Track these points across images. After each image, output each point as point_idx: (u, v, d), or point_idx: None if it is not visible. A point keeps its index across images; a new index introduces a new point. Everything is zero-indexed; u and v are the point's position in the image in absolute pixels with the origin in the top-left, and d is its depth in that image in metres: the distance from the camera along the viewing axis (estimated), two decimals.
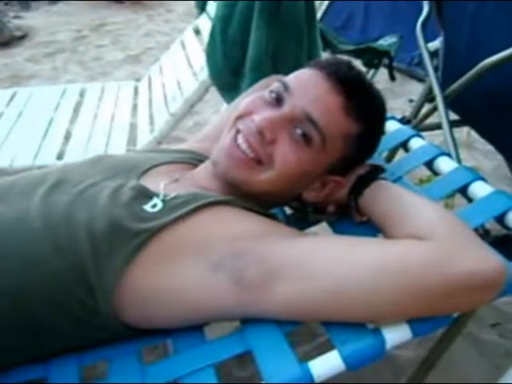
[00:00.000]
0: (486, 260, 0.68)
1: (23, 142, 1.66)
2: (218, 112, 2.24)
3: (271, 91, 0.92)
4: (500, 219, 0.88)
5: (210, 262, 0.79)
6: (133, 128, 1.79)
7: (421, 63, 3.70)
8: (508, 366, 0.87)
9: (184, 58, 1.82)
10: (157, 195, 0.88)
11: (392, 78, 2.21)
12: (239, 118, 0.92)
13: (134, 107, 1.90)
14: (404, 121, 1.53)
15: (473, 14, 1.17)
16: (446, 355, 1.14)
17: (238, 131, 0.90)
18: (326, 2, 4.18)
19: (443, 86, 1.42)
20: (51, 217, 0.84)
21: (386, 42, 2.18)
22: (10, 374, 0.85)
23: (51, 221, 0.83)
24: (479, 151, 2.53)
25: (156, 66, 2.10)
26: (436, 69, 1.48)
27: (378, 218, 0.86)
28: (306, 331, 0.86)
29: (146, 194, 0.88)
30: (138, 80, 3.40)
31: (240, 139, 0.89)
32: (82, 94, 2.03)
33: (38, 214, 0.84)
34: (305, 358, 0.73)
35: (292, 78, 0.92)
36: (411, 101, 2.06)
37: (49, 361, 0.86)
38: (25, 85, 3.56)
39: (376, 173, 0.94)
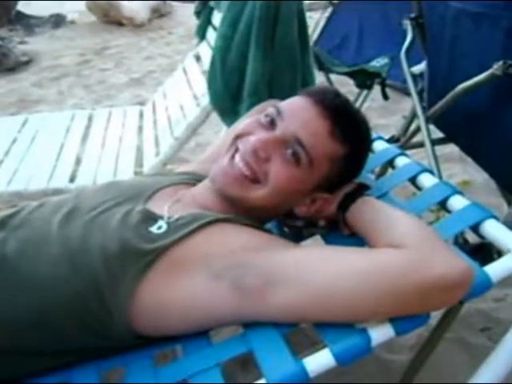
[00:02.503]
0: (453, 264, 0.77)
1: (37, 166, 1.76)
2: (218, 133, 2.35)
3: (266, 115, 1.02)
4: (475, 229, 0.98)
5: (211, 273, 0.89)
6: (139, 150, 1.90)
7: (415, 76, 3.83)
8: None
9: (186, 83, 1.94)
10: (161, 217, 0.97)
11: (385, 97, 2.32)
12: (238, 137, 1.02)
13: (140, 131, 2.01)
14: (393, 139, 1.64)
15: (450, 41, 1.28)
16: (436, 359, 1.23)
17: (236, 150, 1.00)
18: (321, 24, 4.34)
19: (429, 105, 1.53)
20: (68, 242, 0.94)
21: (379, 63, 2.29)
22: (35, 379, 0.95)
23: (68, 245, 0.93)
24: (471, 165, 2.62)
25: (160, 92, 2.21)
26: (422, 90, 1.58)
27: (363, 231, 0.96)
28: (301, 332, 0.96)
29: (152, 217, 0.97)
30: (142, 103, 3.53)
31: (237, 158, 0.99)
32: (90, 119, 2.15)
33: (56, 240, 0.94)
34: (300, 357, 0.82)
35: (284, 105, 1.03)
36: (405, 117, 2.16)
37: (70, 367, 0.96)
38: (32, 109, 3.69)
39: (361, 190, 1.04)
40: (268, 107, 1.25)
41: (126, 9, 6.85)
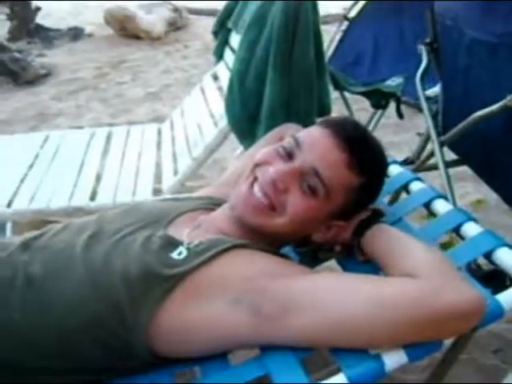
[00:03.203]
0: (466, 293, 0.80)
1: (58, 184, 1.81)
2: (235, 150, 2.38)
3: (285, 145, 1.05)
4: (488, 256, 1.00)
5: (230, 298, 0.91)
6: (158, 167, 1.94)
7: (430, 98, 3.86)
8: None
9: (204, 103, 1.98)
10: (181, 243, 1.00)
11: (400, 116, 2.34)
12: (257, 166, 1.05)
13: (158, 148, 2.06)
14: (408, 162, 1.67)
15: (465, 68, 1.31)
16: (450, 380, 1.25)
17: (255, 178, 1.03)
18: (336, 39, 4.38)
19: (443, 128, 1.55)
20: (91, 265, 0.97)
21: (394, 82, 2.32)
22: None
23: (91, 268, 0.97)
24: (484, 185, 2.64)
25: (178, 110, 2.26)
26: (437, 113, 1.61)
27: (377, 258, 0.98)
28: (318, 357, 0.98)
29: (172, 243, 1.00)
30: (158, 118, 3.59)
31: (256, 188, 1.02)
32: (109, 137, 2.19)
33: (80, 263, 0.98)
34: (315, 380, 0.85)
35: (303, 135, 1.06)
36: (419, 134, 2.17)
37: None
38: (51, 123, 3.76)
39: (376, 217, 1.07)
40: (285, 131, 1.29)
41: (143, 22, 6.95)
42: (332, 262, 1.16)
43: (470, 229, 1.06)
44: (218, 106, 1.78)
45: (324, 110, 1.69)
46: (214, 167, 2.68)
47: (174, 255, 0.98)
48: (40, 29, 7.26)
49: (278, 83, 1.52)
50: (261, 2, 1.63)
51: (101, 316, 0.93)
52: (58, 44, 6.71)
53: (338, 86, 2.35)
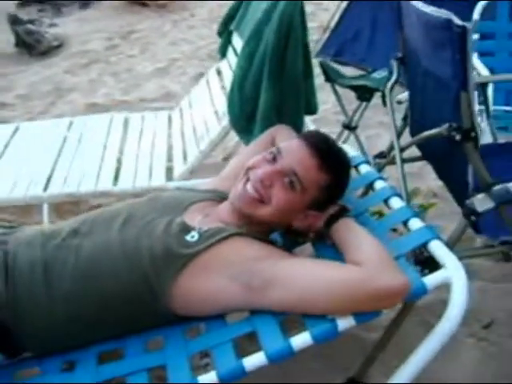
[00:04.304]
0: (394, 278, 1.12)
1: (85, 168, 2.12)
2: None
3: (271, 152, 1.36)
4: (424, 246, 1.31)
5: (228, 274, 1.24)
6: (169, 153, 2.26)
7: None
8: None
9: (209, 99, 2.28)
10: (194, 229, 1.33)
11: (385, 105, 2.61)
12: (249, 169, 1.37)
13: (169, 135, 2.37)
14: (382, 155, 1.97)
15: (421, 90, 1.58)
16: (403, 337, 1.57)
17: (247, 179, 1.35)
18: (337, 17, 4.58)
19: (412, 130, 1.85)
20: (125, 244, 1.30)
21: (379, 75, 2.59)
22: (95, 345, 1.32)
23: (125, 247, 1.30)
24: None
25: (186, 101, 2.55)
26: (406, 116, 1.90)
27: (338, 245, 1.31)
28: (291, 319, 1.31)
29: (187, 228, 1.33)
30: (168, 96, 3.85)
31: (249, 185, 1.34)
32: (126, 123, 2.50)
33: (116, 243, 1.31)
34: (289, 336, 1.17)
35: (284, 146, 1.38)
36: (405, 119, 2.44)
37: (124, 337, 1.33)
38: (67, 98, 4.03)
39: (343, 212, 1.38)
40: (276, 131, 1.63)
41: None
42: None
43: (414, 223, 1.37)
44: (221, 105, 2.08)
45: (311, 108, 2.00)
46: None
47: (188, 238, 1.30)
48: None
49: (271, 90, 1.82)
50: (258, 19, 1.91)
51: (132, 283, 1.27)
52: (67, 12, 6.86)
53: (329, 79, 2.62)
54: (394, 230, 1.54)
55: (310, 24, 5.70)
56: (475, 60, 2.46)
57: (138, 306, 1.28)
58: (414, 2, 1.46)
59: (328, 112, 3.60)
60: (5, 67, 4.78)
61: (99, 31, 5.88)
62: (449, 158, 1.46)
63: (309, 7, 6.48)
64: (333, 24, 4.73)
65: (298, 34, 1.79)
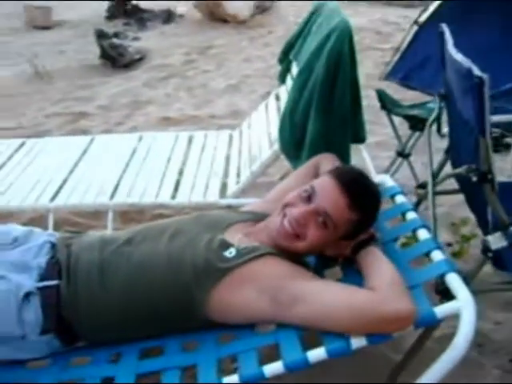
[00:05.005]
0: (403, 305, 1.23)
1: (148, 181, 2.33)
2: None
3: (305, 191, 1.49)
4: (441, 277, 1.41)
5: (259, 289, 1.39)
6: (225, 172, 2.44)
7: None
8: None
9: (265, 122, 2.44)
10: (232, 245, 1.48)
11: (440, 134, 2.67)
12: (286, 206, 1.51)
13: (227, 156, 2.56)
14: (422, 186, 2.06)
15: (455, 126, 1.67)
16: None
17: (284, 215, 1.49)
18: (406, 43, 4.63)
19: (452, 163, 1.93)
20: (171, 256, 1.48)
21: (433, 105, 2.66)
22: (139, 342, 1.50)
23: (171, 258, 1.48)
24: None
25: (246, 122, 2.73)
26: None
27: (361, 270, 1.44)
28: (310, 334, 1.43)
29: (226, 245, 1.49)
30: (235, 114, 4.05)
31: (285, 222, 1.48)
32: (190, 140, 2.71)
33: (164, 253, 1.49)
34: (305, 349, 1.31)
35: (317, 184, 1.50)
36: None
37: (164, 337, 1.50)
38: (142, 111, 4.32)
39: (370, 240, 1.50)
40: (321, 159, 1.77)
41: (230, 7, 7.35)
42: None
43: (436, 255, 1.47)
44: (275, 129, 2.24)
45: (359, 138, 2.13)
46: None
47: (227, 253, 1.46)
48: (136, 9, 7.83)
49: (318, 121, 1.95)
50: (311, 52, 2.05)
51: (175, 290, 1.44)
52: (151, 26, 7.26)
53: (384, 107, 2.73)
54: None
55: (386, 45, 5.84)
56: None
57: (178, 310, 1.45)
58: (449, 46, 1.56)
59: (389, 136, 3.68)
60: (90, 78, 5.16)
61: (179, 46, 6.20)
62: (473, 195, 1.54)
63: (386, 28, 6.60)
64: (403, 47, 4.79)
65: (346, 71, 1.91)
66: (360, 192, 1.48)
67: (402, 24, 6.09)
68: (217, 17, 7.36)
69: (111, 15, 7.69)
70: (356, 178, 1.52)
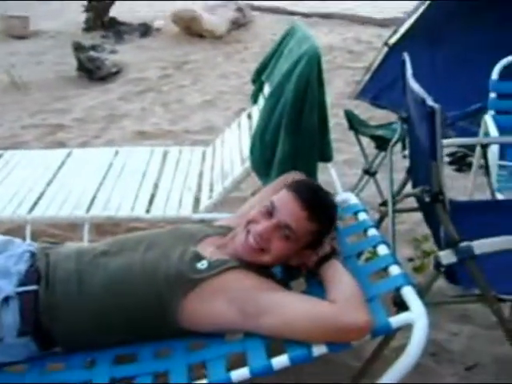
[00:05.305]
0: (360, 317, 1.34)
1: (124, 195, 2.42)
2: None
3: (267, 207, 1.59)
4: (397, 290, 1.52)
5: (228, 300, 1.48)
6: (198, 187, 2.53)
7: (452, 124, 4.26)
8: None
9: (237, 140, 2.55)
10: (204, 258, 1.58)
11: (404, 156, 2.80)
12: (249, 222, 1.61)
13: (201, 172, 2.65)
14: (385, 204, 2.18)
15: (414, 149, 1.80)
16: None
17: (248, 231, 1.59)
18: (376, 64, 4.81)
19: (412, 183, 2.06)
20: (145, 265, 1.57)
21: (397, 126, 2.80)
22: (114, 348, 1.57)
23: (145, 268, 1.56)
24: None
25: (219, 139, 2.84)
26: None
27: (323, 282, 1.54)
28: (276, 343, 1.53)
29: (199, 257, 1.58)
30: (209, 130, 4.14)
31: (250, 238, 1.58)
32: (165, 155, 2.80)
33: (139, 263, 1.58)
34: (270, 357, 1.40)
35: (277, 200, 1.60)
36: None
37: (136, 344, 1.58)
38: (118, 125, 4.38)
39: (332, 254, 1.61)
40: (289, 177, 1.87)
41: (207, 22, 7.46)
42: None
43: (393, 270, 1.58)
44: (247, 148, 2.34)
45: (326, 157, 2.25)
46: None
47: (199, 265, 1.55)
48: (113, 22, 7.89)
49: (287, 141, 2.07)
50: (282, 75, 2.17)
51: (147, 298, 1.53)
52: (128, 39, 7.31)
53: (352, 127, 2.86)
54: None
55: (357, 64, 6.00)
56: (488, 118, 2.64)
57: (151, 318, 1.53)
58: (408, 75, 1.69)
59: (357, 154, 3.81)
60: (67, 90, 5.21)
61: (155, 60, 6.28)
62: (428, 214, 1.67)
63: (359, 46, 6.79)
64: (374, 67, 4.97)
65: (314, 95, 2.03)
66: (318, 204, 1.60)
67: (375, 43, 6.26)
68: (193, 32, 7.46)
69: (89, 27, 7.75)
70: (313, 190, 1.63)
